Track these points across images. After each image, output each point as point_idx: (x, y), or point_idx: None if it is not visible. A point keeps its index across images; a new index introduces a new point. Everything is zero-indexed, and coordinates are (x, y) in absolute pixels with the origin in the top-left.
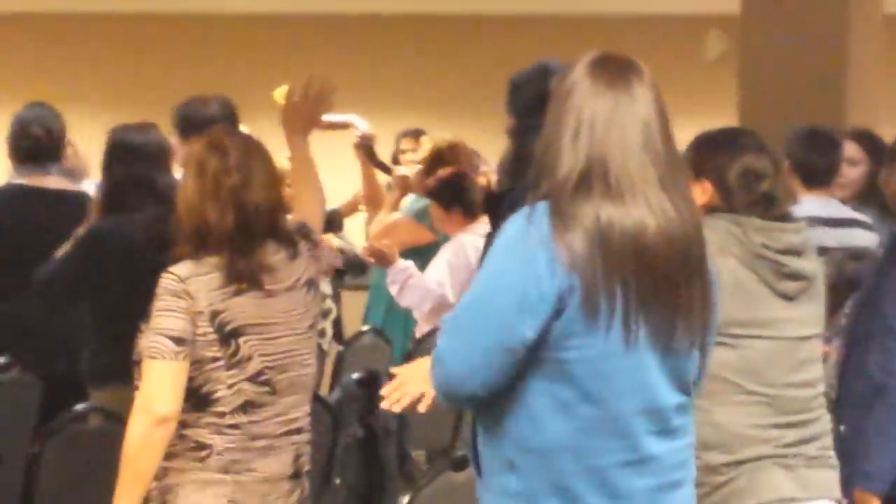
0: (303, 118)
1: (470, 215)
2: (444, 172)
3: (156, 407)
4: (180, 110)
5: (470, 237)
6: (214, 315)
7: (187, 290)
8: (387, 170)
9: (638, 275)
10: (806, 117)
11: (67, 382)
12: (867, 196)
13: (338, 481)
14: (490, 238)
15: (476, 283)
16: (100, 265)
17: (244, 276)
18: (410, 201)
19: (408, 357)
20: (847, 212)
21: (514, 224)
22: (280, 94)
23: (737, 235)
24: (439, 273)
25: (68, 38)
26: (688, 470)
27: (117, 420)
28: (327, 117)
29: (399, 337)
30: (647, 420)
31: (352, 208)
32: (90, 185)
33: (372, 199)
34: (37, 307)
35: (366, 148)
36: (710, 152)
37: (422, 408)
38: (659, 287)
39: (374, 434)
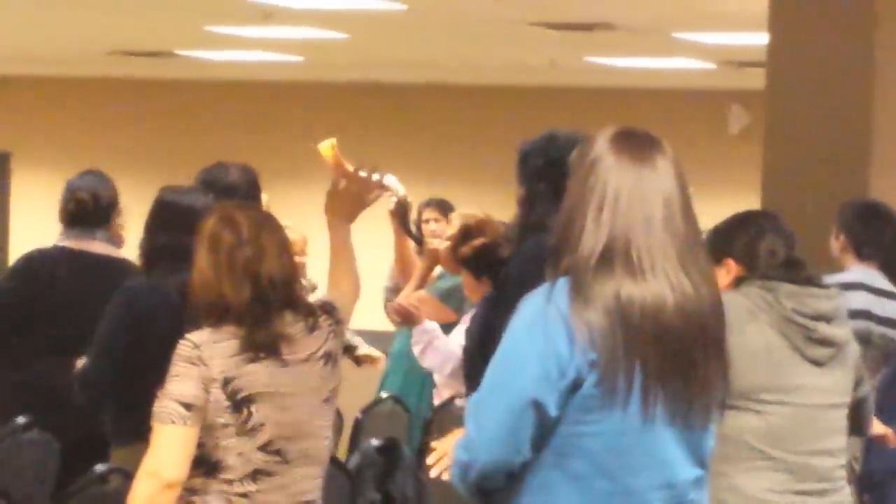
0: (347, 205)
1: None
2: (477, 242)
3: (163, 472)
4: (202, 176)
5: None
6: (227, 382)
7: (201, 357)
8: (419, 241)
9: (656, 352)
10: (830, 191)
11: (86, 444)
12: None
13: None
14: (489, 302)
15: (497, 362)
16: (133, 323)
17: (263, 346)
18: (439, 273)
19: (428, 425)
20: (888, 284)
21: (534, 301)
22: (325, 147)
23: (768, 300)
24: (463, 338)
25: (87, 102)
26: None
27: None
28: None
29: (413, 404)
30: (663, 495)
31: None
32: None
33: (403, 268)
34: (64, 369)
35: (400, 215)
36: (732, 234)
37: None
38: (676, 364)
39: (391, 500)
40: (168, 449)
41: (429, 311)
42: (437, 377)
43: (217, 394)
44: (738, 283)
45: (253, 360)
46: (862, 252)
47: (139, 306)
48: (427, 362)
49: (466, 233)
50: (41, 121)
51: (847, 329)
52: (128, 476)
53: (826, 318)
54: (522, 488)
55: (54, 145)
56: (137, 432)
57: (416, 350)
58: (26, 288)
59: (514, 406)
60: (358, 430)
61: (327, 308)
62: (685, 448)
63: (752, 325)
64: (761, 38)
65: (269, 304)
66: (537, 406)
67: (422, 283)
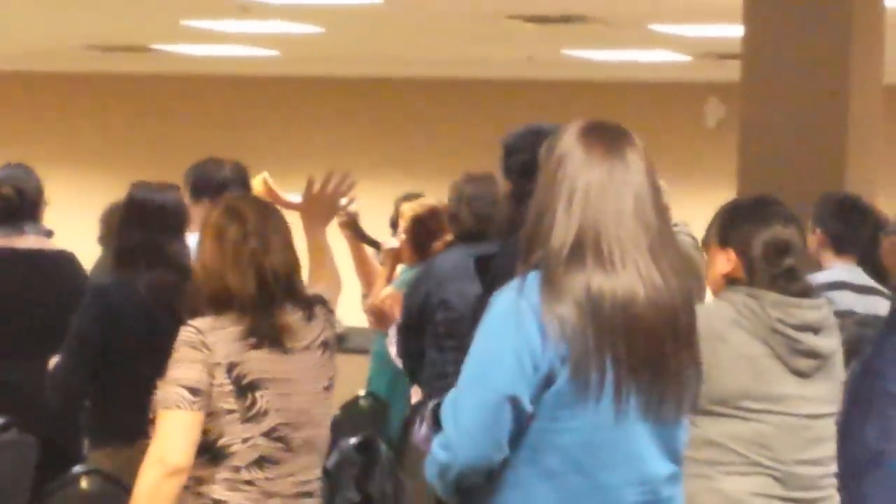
0: (321, 209)
1: None
2: (449, 237)
3: (168, 458)
4: (193, 172)
5: None
6: (231, 367)
7: (205, 342)
8: (375, 244)
9: (627, 345)
10: (805, 185)
11: (63, 444)
12: (862, 263)
13: None
14: (480, 301)
15: (472, 359)
16: (103, 321)
17: (266, 336)
18: (402, 270)
19: (406, 423)
20: (869, 280)
21: (506, 297)
22: (257, 182)
23: (753, 309)
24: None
25: (62, 97)
26: None
27: (115, 482)
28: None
29: (400, 405)
30: (637, 490)
31: None
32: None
33: (365, 276)
34: (8, 368)
35: (351, 225)
36: (737, 222)
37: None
38: (648, 357)
39: (370, 499)
40: (173, 434)
41: (399, 305)
42: None
43: (222, 378)
44: (732, 281)
45: (256, 347)
46: (840, 247)
47: (108, 304)
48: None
49: (420, 224)
50: (17, 116)
51: (835, 339)
52: (105, 477)
53: (813, 329)
54: (497, 485)
55: (30, 141)
56: (112, 433)
57: (392, 350)
58: None
59: (491, 403)
60: (336, 428)
61: (320, 299)
62: (659, 443)
63: (735, 333)
64: (738, 31)
65: (272, 296)
66: (514, 402)
67: (388, 283)
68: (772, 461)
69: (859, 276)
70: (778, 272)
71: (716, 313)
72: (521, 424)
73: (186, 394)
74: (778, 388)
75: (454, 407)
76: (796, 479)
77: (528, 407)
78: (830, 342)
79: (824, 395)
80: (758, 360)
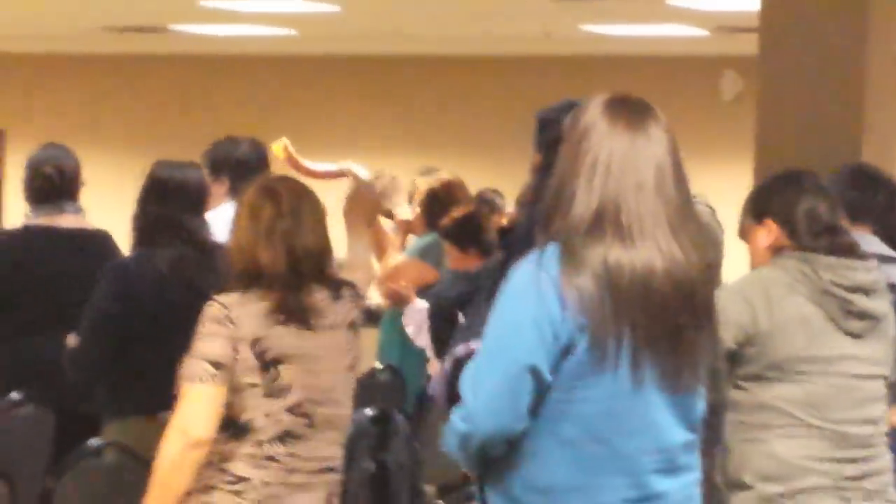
0: (365, 209)
1: (486, 254)
2: (458, 212)
3: (191, 430)
4: (211, 150)
5: None
6: (256, 341)
7: (230, 317)
8: (389, 215)
9: (645, 316)
10: (822, 157)
11: (80, 418)
12: (877, 232)
13: None
14: (501, 271)
15: (492, 330)
16: (121, 298)
17: (293, 313)
18: (413, 240)
19: (422, 396)
20: (886, 249)
21: (525, 268)
22: (278, 147)
23: (806, 273)
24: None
25: (81, 79)
26: None
27: (132, 455)
28: (323, 166)
29: (414, 376)
30: (654, 458)
31: None
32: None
33: (379, 246)
34: (49, 343)
35: None
36: (773, 193)
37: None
38: (665, 329)
39: (386, 469)
40: (196, 407)
41: (413, 273)
42: (430, 353)
43: (245, 353)
44: (777, 250)
45: (281, 323)
46: (856, 217)
47: (126, 281)
48: (421, 341)
49: (434, 197)
50: (35, 98)
51: (886, 301)
52: (122, 449)
53: (864, 291)
54: (516, 456)
55: (49, 123)
56: (130, 406)
57: (408, 330)
58: None
59: (511, 373)
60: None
61: (349, 283)
62: (675, 412)
63: (790, 298)
64: (754, 4)
65: (302, 275)
66: (534, 372)
67: (398, 253)
68: (823, 421)
69: (876, 245)
70: (820, 228)
71: (771, 280)
72: (540, 394)
73: (209, 367)
74: (831, 349)
75: (474, 378)
76: (848, 439)
77: (548, 377)
78: (882, 304)
79: (876, 355)
80: (812, 322)
